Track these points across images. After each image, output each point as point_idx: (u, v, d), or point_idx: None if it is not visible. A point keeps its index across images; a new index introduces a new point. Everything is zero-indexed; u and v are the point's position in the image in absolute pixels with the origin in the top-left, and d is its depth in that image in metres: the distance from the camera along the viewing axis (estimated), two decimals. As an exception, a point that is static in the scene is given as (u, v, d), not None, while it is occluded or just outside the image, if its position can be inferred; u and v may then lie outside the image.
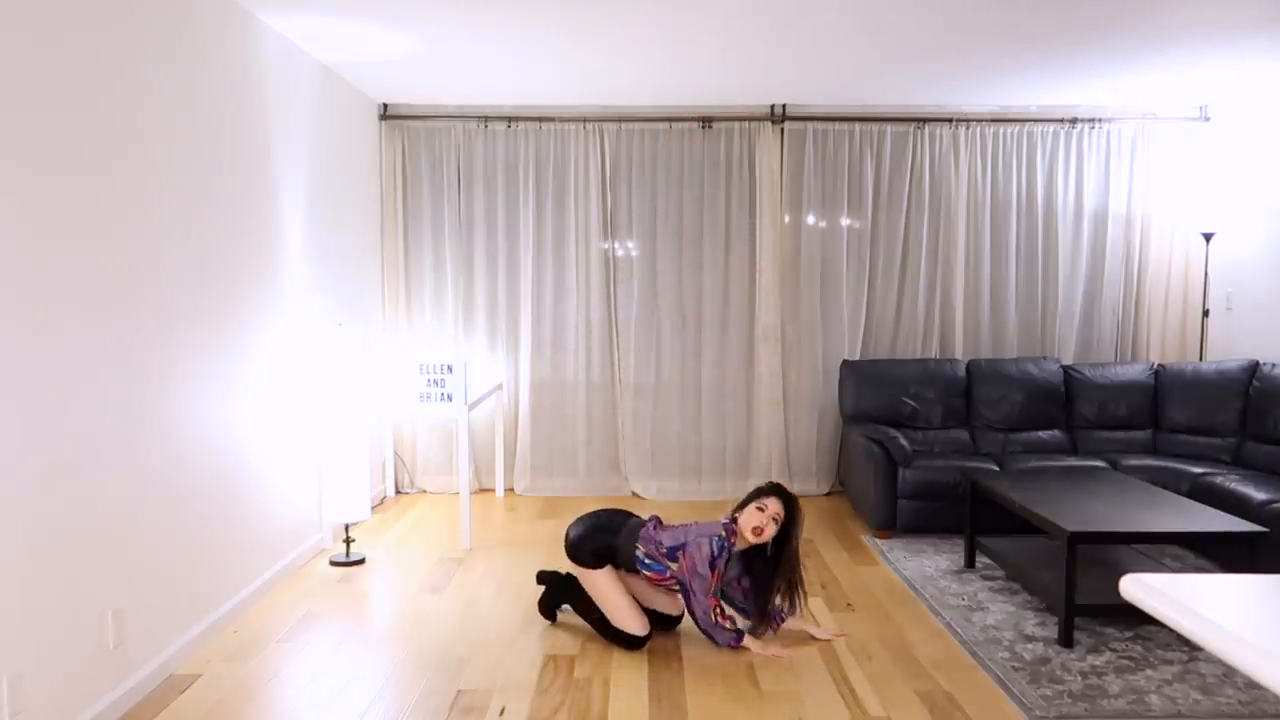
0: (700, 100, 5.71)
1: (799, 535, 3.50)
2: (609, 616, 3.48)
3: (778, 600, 3.53)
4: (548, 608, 3.74)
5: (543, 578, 3.80)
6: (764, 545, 3.48)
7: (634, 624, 3.44)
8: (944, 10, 3.87)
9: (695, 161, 5.87)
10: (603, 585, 3.49)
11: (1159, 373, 5.50)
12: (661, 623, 3.57)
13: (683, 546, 3.41)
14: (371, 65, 4.85)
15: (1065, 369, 5.59)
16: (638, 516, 3.63)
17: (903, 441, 5.01)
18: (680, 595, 3.52)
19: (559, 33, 4.20)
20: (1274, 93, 5.25)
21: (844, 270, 5.92)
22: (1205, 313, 5.76)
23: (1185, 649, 3.43)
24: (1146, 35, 4.20)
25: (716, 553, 3.39)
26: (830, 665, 3.34)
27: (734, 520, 3.47)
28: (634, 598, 3.51)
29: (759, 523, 3.42)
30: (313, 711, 2.98)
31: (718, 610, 3.43)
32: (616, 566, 3.54)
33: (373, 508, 5.34)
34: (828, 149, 5.86)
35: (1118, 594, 1.62)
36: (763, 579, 3.51)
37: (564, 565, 4.50)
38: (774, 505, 3.45)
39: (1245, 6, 3.79)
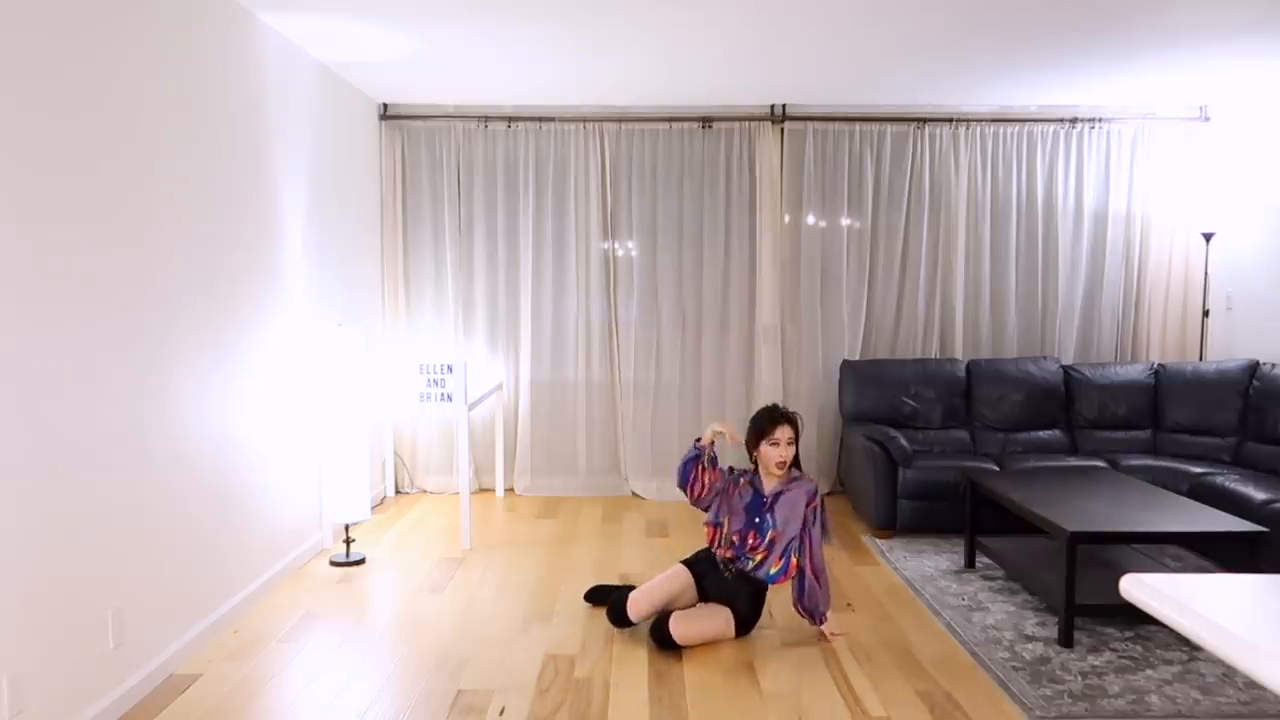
0: (700, 100, 5.71)
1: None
2: (640, 587, 3.60)
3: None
4: (598, 597, 3.91)
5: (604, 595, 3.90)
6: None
7: (640, 606, 3.52)
8: (944, 10, 3.87)
9: (695, 161, 5.87)
10: (672, 574, 3.61)
11: (1159, 373, 5.49)
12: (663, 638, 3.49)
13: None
14: (371, 65, 4.85)
15: (1065, 369, 5.59)
16: None
17: (903, 441, 5.01)
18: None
19: (559, 33, 4.20)
20: (1274, 93, 5.25)
21: (844, 270, 5.92)
22: (1205, 313, 5.76)
23: (1185, 649, 3.43)
24: (1146, 35, 4.20)
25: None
26: (830, 665, 3.34)
27: (756, 470, 3.63)
28: (671, 603, 3.56)
29: (780, 456, 3.52)
30: (313, 711, 2.98)
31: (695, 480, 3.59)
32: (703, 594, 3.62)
33: (373, 508, 5.34)
34: (828, 149, 5.86)
35: (1118, 594, 1.62)
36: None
37: (560, 567, 4.50)
38: (782, 432, 3.53)
39: (1245, 6, 3.79)
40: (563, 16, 3.95)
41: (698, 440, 3.59)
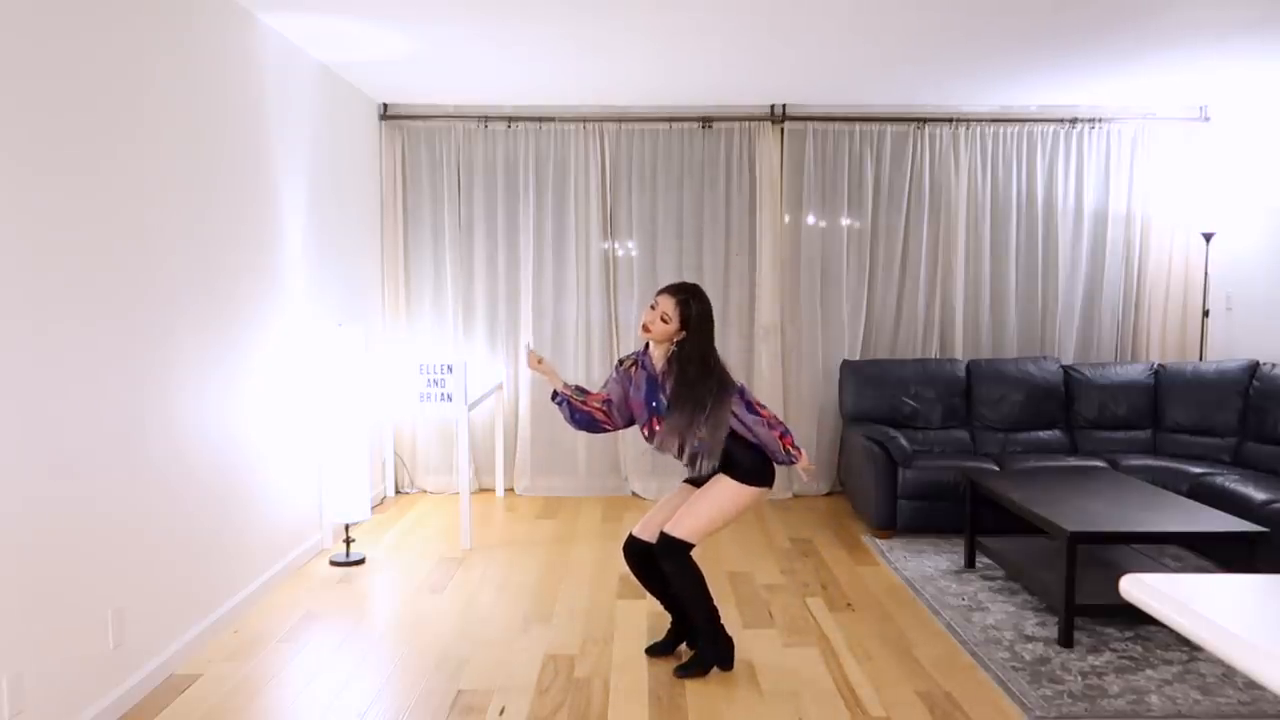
0: (700, 100, 5.70)
1: (698, 332, 3.17)
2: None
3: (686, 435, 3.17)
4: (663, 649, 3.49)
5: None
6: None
7: (643, 520, 3.35)
8: (944, 10, 3.87)
9: (695, 161, 5.87)
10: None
11: (1159, 373, 5.49)
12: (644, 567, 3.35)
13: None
14: (371, 65, 4.85)
15: (1065, 369, 5.59)
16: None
17: (903, 441, 5.01)
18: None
19: (559, 33, 4.20)
20: (1274, 93, 5.25)
21: (844, 270, 5.92)
22: (1205, 313, 5.76)
23: (1185, 649, 3.43)
24: (1146, 35, 4.20)
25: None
26: (830, 665, 3.34)
27: (646, 349, 3.30)
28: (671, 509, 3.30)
29: (645, 318, 3.19)
30: (313, 711, 2.98)
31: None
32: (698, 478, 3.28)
33: (373, 508, 5.33)
34: (828, 149, 5.86)
35: (1118, 594, 1.62)
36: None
37: (560, 567, 4.50)
38: (662, 302, 3.16)
39: (1245, 6, 3.79)
40: (562, 17, 3.95)
41: (553, 395, 3.35)
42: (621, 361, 3.40)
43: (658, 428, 3.22)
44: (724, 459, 3.19)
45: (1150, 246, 5.93)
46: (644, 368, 3.27)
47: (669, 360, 3.21)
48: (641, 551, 3.34)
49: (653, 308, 3.20)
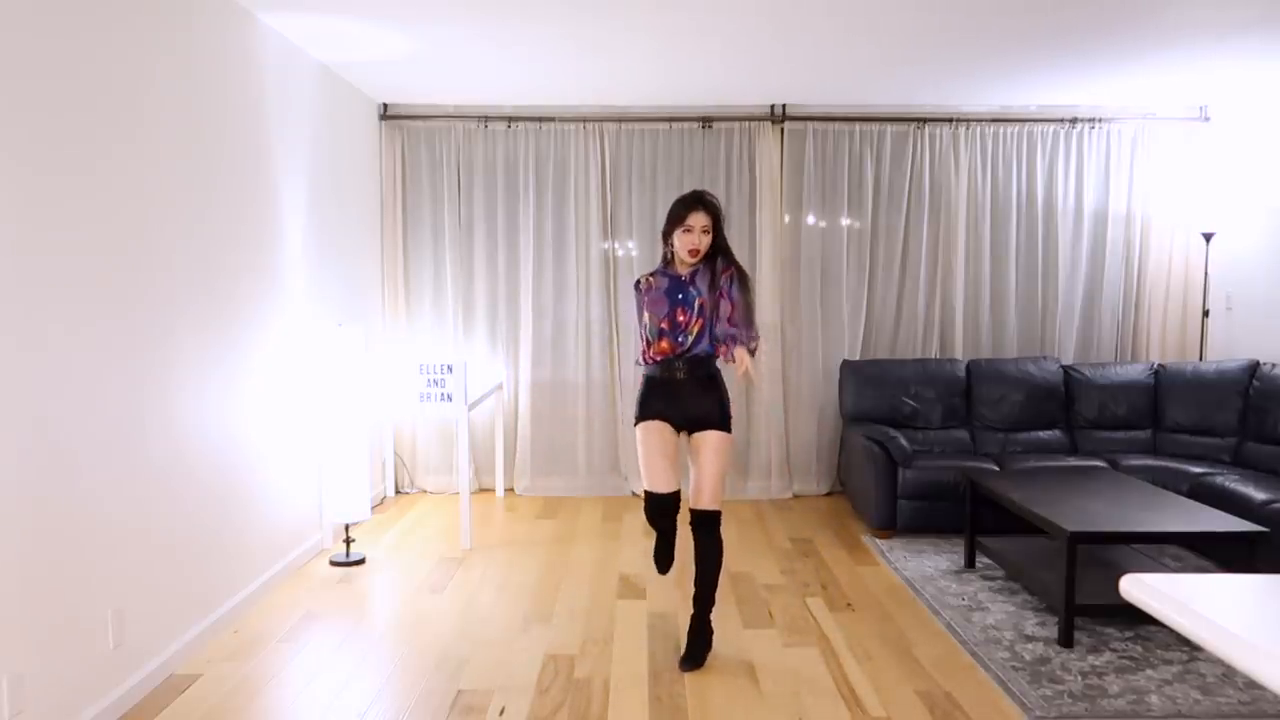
0: (700, 100, 5.70)
1: (723, 223, 3.35)
2: (647, 480, 3.37)
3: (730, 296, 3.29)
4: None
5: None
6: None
7: (655, 480, 3.31)
8: (943, 11, 3.87)
9: (695, 161, 5.86)
10: (639, 444, 3.38)
11: (1159, 373, 5.49)
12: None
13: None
14: (371, 65, 4.85)
15: (1065, 369, 5.59)
16: None
17: (903, 441, 5.01)
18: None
19: (559, 33, 4.20)
20: (1274, 93, 5.25)
21: (844, 270, 5.91)
22: (1205, 313, 5.76)
23: (1185, 649, 3.43)
24: (1146, 35, 4.20)
25: (637, 290, 3.44)
26: (830, 665, 3.34)
27: (668, 258, 3.37)
28: (675, 461, 3.36)
29: (693, 244, 3.24)
30: (313, 711, 2.98)
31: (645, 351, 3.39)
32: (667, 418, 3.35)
33: (373, 508, 5.33)
34: (828, 149, 5.86)
35: (1118, 594, 1.62)
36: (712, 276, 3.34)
37: (560, 567, 4.50)
38: (696, 218, 3.24)
39: (1245, 6, 3.79)
40: (562, 17, 3.95)
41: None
42: (639, 281, 3.45)
43: (680, 318, 3.30)
44: (703, 416, 3.35)
45: (1150, 246, 5.93)
46: (665, 275, 3.36)
47: (706, 259, 3.30)
48: (671, 510, 3.37)
49: (688, 230, 3.25)
